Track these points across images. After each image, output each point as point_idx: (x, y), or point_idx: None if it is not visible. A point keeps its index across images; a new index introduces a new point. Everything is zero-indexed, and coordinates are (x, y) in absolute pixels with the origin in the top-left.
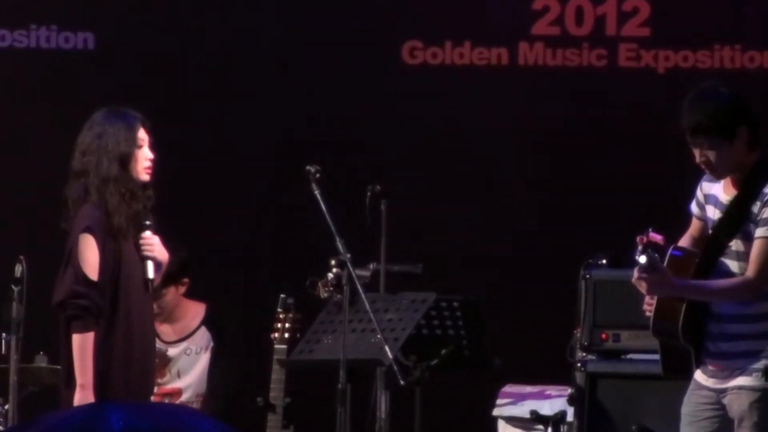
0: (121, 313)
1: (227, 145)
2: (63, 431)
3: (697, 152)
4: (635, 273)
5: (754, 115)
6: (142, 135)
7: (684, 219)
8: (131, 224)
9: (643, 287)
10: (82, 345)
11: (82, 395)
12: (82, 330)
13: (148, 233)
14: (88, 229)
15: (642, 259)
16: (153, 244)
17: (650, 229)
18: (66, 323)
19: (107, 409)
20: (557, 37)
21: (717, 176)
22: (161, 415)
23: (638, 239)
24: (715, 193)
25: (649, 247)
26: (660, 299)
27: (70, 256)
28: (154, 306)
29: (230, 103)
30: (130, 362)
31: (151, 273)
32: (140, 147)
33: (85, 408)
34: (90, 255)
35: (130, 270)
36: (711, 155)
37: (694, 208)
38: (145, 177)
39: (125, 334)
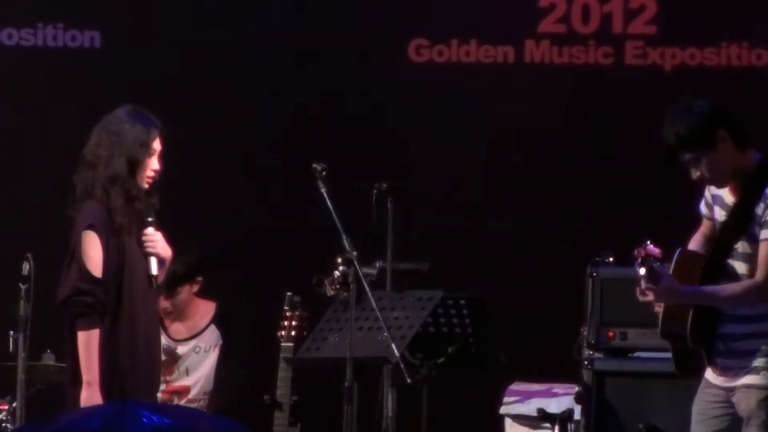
0: (125, 309)
1: (235, 142)
2: (87, 428)
3: (691, 171)
4: (641, 284)
5: (732, 116)
6: (156, 145)
7: (691, 217)
8: (134, 223)
9: (650, 298)
10: (87, 342)
11: (89, 392)
12: (87, 327)
13: (150, 230)
14: (91, 227)
15: (642, 271)
16: (156, 241)
17: (648, 243)
18: (70, 321)
19: (133, 407)
20: (564, 34)
21: (718, 186)
22: (180, 413)
23: (636, 252)
24: (721, 194)
25: (648, 261)
26: (667, 305)
27: (74, 254)
28: (168, 304)
29: (237, 101)
30: (136, 358)
31: (154, 269)
32: (151, 156)
33: (110, 406)
34: (93, 252)
35: (134, 267)
36: (702, 169)
37: (703, 208)
38: (145, 185)
39: (130, 331)
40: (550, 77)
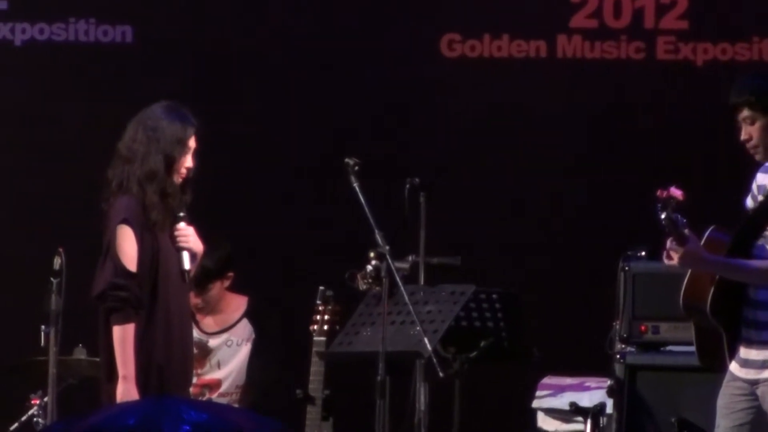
0: (160, 304)
1: (267, 138)
2: (123, 424)
3: (742, 130)
4: (667, 244)
5: None
6: (192, 143)
7: (724, 209)
8: (167, 218)
9: (674, 261)
10: (123, 337)
11: (125, 387)
12: (123, 322)
13: (182, 224)
14: (126, 221)
15: (662, 215)
16: (188, 235)
17: (673, 186)
18: (105, 315)
19: (170, 403)
20: (595, 30)
21: (760, 157)
22: (218, 409)
23: (658, 193)
24: (766, 183)
25: (670, 204)
26: (691, 275)
27: (109, 249)
28: (200, 300)
29: (269, 96)
30: (170, 353)
31: (186, 264)
32: (186, 154)
33: (147, 402)
34: (128, 247)
35: (167, 262)
36: (754, 132)
37: (749, 202)
38: (178, 181)
39: (165, 326)
40: (581, 72)
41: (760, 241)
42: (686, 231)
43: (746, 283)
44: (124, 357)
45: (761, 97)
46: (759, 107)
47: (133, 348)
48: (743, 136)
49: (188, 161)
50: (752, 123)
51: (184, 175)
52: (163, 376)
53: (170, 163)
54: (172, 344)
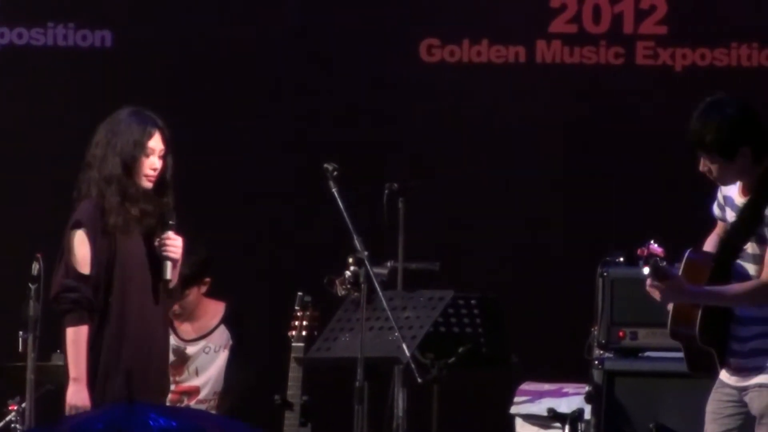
0: (113, 309)
1: (245, 142)
2: (92, 430)
3: (701, 162)
4: (648, 282)
5: (760, 132)
6: (154, 144)
7: (702, 217)
8: (131, 221)
9: (656, 296)
10: (74, 339)
11: (75, 389)
12: (75, 323)
13: (171, 233)
14: (78, 224)
15: (645, 270)
16: (178, 246)
17: (651, 242)
18: (61, 318)
19: (140, 410)
20: (575, 35)
21: (721, 184)
22: (188, 415)
23: (639, 251)
24: (732, 195)
25: (651, 259)
26: (676, 304)
27: (62, 252)
28: (177, 306)
29: (249, 100)
30: (126, 359)
31: (168, 273)
32: (147, 156)
33: (116, 408)
34: (80, 249)
35: (126, 265)
36: (713, 168)
37: (715, 209)
38: (146, 184)
39: (119, 329)
40: (561, 77)
41: (738, 260)
42: (669, 272)
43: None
44: (76, 359)
45: (714, 144)
46: (715, 152)
47: (86, 350)
48: (702, 168)
49: (153, 162)
50: (711, 162)
51: (151, 177)
52: (112, 378)
53: (129, 166)
54: (126, 347)
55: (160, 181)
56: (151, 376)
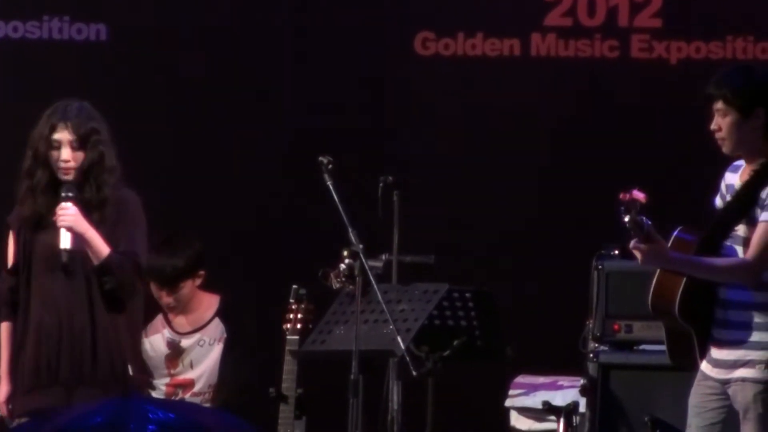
0: (21, 304)
1: (240, 136)
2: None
3: (714, 120)
4: (631, 243)
5: None
6: (60, 136)
7: (697, 208)
8: (46, 217)
9: (638, 257)
10: None
11: None
12: None
13: (64, 204)
14: (7, 223)
15: (626, 218)
16: (66, 214)
17: (635, 189)
18: None
19: (137, 403)
20: (569, 28)
21: (726, 149)
22: (185, 409)
23: (621, 196)
24: (734, 183)
25: (633, 207)
26: (659, 277)
27: None
28: (171, 299)
29: (242, 94)
30: (30, 350)
31: (64, 242)
32: (55, 148)
33: (113, 402)
34: (9, 247)
35: (39, 259)
36: (724, 124)
37: (718, 202)
38: (64, 177)
39: (24, 322)
40: (556, 71)
41: (729, 242)
42: (651, 231)
43: (714, 282)
44: None
45: (735, 95)
46: (732, 103)
47: (8, 345)
48: (713, 126)
49: (62, 154)
50: (724, 116)
51: (66, 170)
52: (21, 373)
53: (37, 159)
54: (29, 340)
55: (86, 171)
56: (64, 363)
